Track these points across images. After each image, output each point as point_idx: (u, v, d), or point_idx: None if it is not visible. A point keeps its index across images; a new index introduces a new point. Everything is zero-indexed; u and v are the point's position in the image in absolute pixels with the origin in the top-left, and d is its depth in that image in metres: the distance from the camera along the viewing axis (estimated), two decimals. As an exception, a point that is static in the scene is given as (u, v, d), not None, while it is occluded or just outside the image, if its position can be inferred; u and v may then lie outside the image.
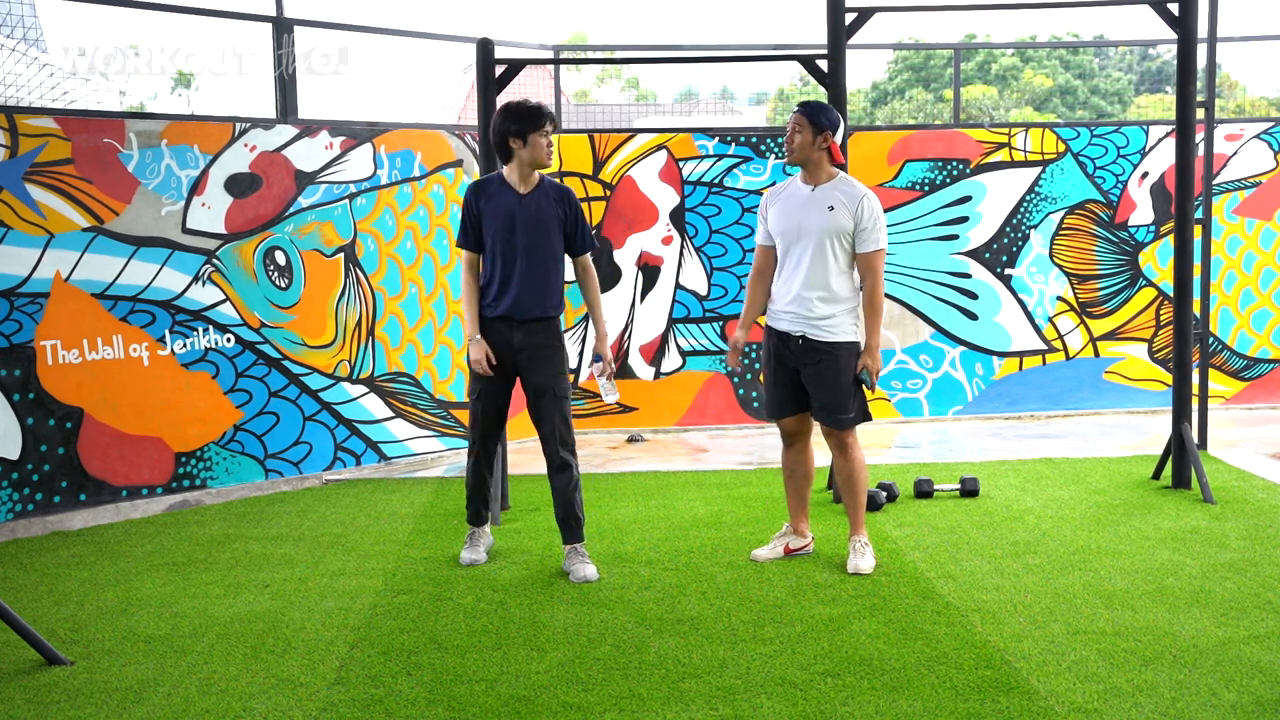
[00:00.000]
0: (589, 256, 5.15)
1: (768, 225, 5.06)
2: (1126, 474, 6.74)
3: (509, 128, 4.92)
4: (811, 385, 4.93)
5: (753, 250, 8.83)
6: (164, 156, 6.53)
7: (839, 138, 4.94)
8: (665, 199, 8.60)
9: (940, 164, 8.76)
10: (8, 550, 5.71)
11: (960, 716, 3.43)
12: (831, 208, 4.84)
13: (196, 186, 6.65)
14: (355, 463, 7.37)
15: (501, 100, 6.57)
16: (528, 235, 4.93)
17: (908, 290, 8.78)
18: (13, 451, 6.01)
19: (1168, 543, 5.24)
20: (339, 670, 3.91)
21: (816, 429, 5.10)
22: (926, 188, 8.73)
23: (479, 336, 5.00)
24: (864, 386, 4.93)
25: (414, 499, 6.60)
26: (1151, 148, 8.87)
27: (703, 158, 8.60)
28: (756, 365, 8.68)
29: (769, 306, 5.06)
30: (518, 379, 5.11)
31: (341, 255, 7.26)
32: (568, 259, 5.14)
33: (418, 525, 5.96)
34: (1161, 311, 8.90)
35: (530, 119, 4.90)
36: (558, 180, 5.31)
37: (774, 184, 8.68)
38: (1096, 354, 8.96)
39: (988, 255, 8.81)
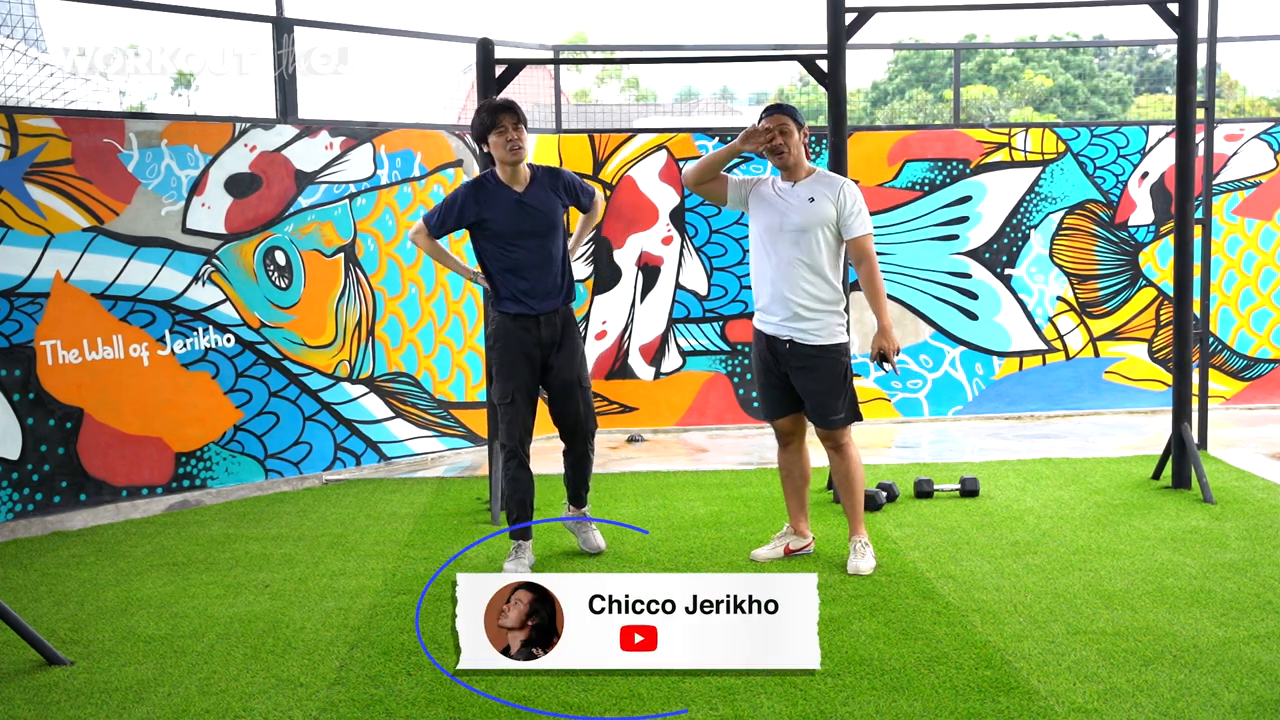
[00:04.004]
0: (595, 202, 5.21)
1: (747, 189, 4.96)
2: (1126, 474, 6.74)
3: (474, 132, 4.97)
4: (801, 388, 4.92)
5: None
6: (164, 156, 6.53)
7: None
8: (665, 199, 8.60)
9: (940, 164, 8.76)
10: (8, 550, 5.71)
11: (960, 716, 3.43)
12: (812, 199, 4.82)
13: (196, 186, 6.65)
14: (355, 463, 7.37)
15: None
16: (535, 233, 4.91)
17: (908, 290, 8.78)
18: (13, 451, 6.01)
19: (1168, 543, 5.24)
20: (339, 670, 3.91)
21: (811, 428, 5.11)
22: (926, 188, 8.73)
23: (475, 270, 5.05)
24: (889, 369, 4.87)
25: (414, 499, 6.60)
26: (1151, 148, 8.87)
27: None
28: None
29: (756, 306, 5.03)
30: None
31: (341, 255, 7.26)
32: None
33: (418, 525, 5.96)
34: (1161, 311, 8.90)
35: (484, 118, 4.90)
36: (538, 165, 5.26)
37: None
38: (1096, 354, 8.96)
39: (988, 255, 8.81)
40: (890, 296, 8.72)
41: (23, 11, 6.50)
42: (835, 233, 4.83)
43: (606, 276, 8.57)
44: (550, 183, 5.01)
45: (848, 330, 4.94)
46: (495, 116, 4.86)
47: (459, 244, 6.92)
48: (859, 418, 4.99)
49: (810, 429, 5.11)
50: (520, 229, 4.91)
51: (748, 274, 8.62)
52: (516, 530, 5.13)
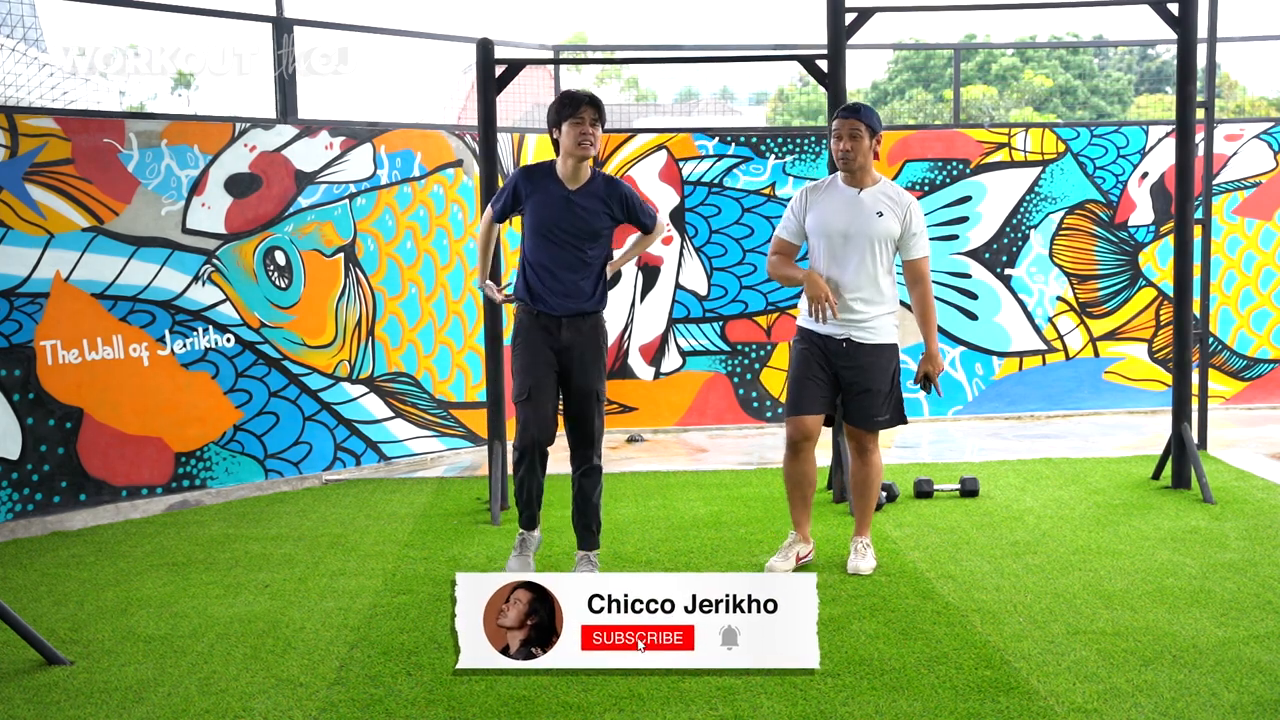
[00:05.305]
0: (658, 224, 5.08)
1: (802, 222, 5.00)
2: (1126, 474, 6.75)
3: (549, 117, 4.82)
4: (852, 386, 4.92)
5: (752, 251, 8.87)
6: (164, 156, 6.53)
7: None
8: (665, 199, 8.60)
9: (940, 164, 8.76)
10: (8, 550, 5.71)
11: (960, 716, 3.43)
12: (880, 213, 4.87)
13: (196, 186, 6.65)
14: (355, 463, 7.37)
15: (502, 101, 6.57)
16: (570, 234, 4.76)
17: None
18: (13, 451, 6.01)
19: (1168, 543, 5.24)
20: (339, 670, 3.91)
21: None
22: (926, 188, 8.73)
23: (489, 281, 5.13)
24: (932, 390, 4.99)
25: (414, 499, 6.60)
26: (1151, 148, 8.87)
27: (702, 158, 8.60)
28: (758, 365, 8.68)
29: (801, 307, 5.02)
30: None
31: (341, 255, 7.26)
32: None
33: (418, 525, 5.96)
34: (1161, 311, 8.90)
35: (564, 106, 4.74)
36: (603, 172, 5.05)
37: (774, 183, 8.66)
38: (1096, 354, 8.96)
39: (988, 255, 8.81)
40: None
41: (23, 11, 6.50)
42: (894, 247, 4.95)
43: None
44: (605, 191, 4.83)
45: (898, 331, 5.02)
46: (577, 106, 4.71)
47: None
48: (904, 420, 5.03)
49: (825, 433, 5.12)
50: (557, 225, 4.76)
51: (748, 274, 8.63)
52: (523, 519, 5.03)
